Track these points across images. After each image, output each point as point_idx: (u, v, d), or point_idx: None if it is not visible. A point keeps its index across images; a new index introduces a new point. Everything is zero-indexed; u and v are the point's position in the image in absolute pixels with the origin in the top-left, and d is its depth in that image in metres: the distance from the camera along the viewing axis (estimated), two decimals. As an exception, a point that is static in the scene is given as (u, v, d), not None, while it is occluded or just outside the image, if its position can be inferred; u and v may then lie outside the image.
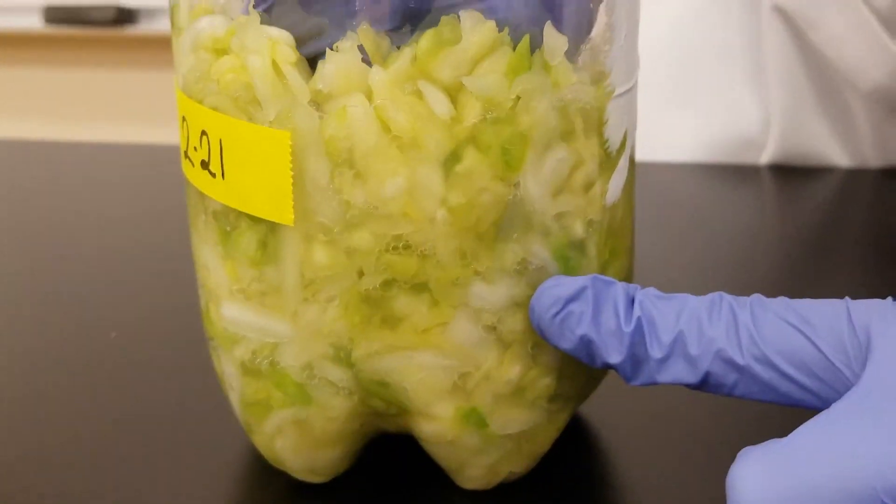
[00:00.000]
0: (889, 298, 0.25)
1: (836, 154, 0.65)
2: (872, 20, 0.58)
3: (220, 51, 0.27)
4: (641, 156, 0.57)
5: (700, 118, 0.67)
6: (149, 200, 0.62)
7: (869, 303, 0.25)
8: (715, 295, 0.26)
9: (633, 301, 0.27)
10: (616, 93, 0.28)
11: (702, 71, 0.66)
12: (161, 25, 1.90)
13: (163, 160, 0.69)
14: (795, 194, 0.61)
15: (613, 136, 0.29)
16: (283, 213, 0.27)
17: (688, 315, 0.26)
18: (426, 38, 0.25)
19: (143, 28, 1.92)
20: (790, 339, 0.25)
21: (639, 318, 0.26)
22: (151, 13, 1.91)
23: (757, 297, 0.26)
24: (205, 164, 0.28)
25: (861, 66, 0.59)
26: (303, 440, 0.30)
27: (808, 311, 0.25)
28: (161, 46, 1.90)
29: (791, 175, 0.63)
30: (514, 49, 0.26)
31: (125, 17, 1.90)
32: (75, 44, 1.98)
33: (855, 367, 0.24)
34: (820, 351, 0.25)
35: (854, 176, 0.63)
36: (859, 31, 0.59)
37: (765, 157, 0.66)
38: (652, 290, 0.27)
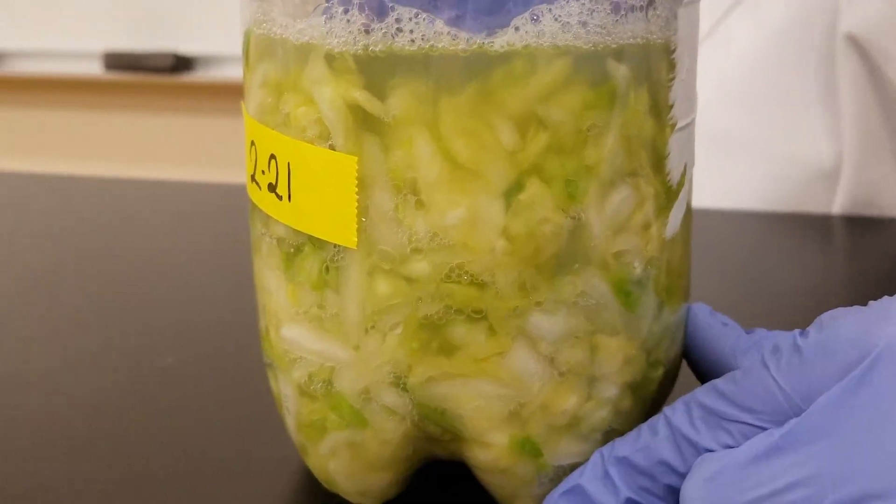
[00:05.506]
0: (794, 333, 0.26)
1: None
2: None
3: (290, 89, 0.28)
4: (703, 202, 0.56)
5: (770, 163, 0.65)
6: (202, 234, 0.63)
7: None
8: None
9: None
10: (678, 126, 0.29)
11: (774, 114, 0.65)
12: (217, 73, 1.94)
13: (218, 196, 0.70)
14: (866, 246, 0.60)
15: (674, 169, 0.29)
16: (346, 235, 0.27)
17: None
18: (499, 71, 0.26)
19: (199, 76, 1.96)
20: None
21: None
22: (207, 61, 1.95)
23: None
24: (272, 187, 0.29)
25: None
26: (356, 463, 0.30)
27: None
28: (217, 93, 1.94)
29: (861, 226, 0.62)
30: (587, 82, 0.26)
31: (182, 64, 1.95)
32: (134, 90, 2.02)
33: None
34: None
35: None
36: None
37: (836, 206, 0.64)
38: None
